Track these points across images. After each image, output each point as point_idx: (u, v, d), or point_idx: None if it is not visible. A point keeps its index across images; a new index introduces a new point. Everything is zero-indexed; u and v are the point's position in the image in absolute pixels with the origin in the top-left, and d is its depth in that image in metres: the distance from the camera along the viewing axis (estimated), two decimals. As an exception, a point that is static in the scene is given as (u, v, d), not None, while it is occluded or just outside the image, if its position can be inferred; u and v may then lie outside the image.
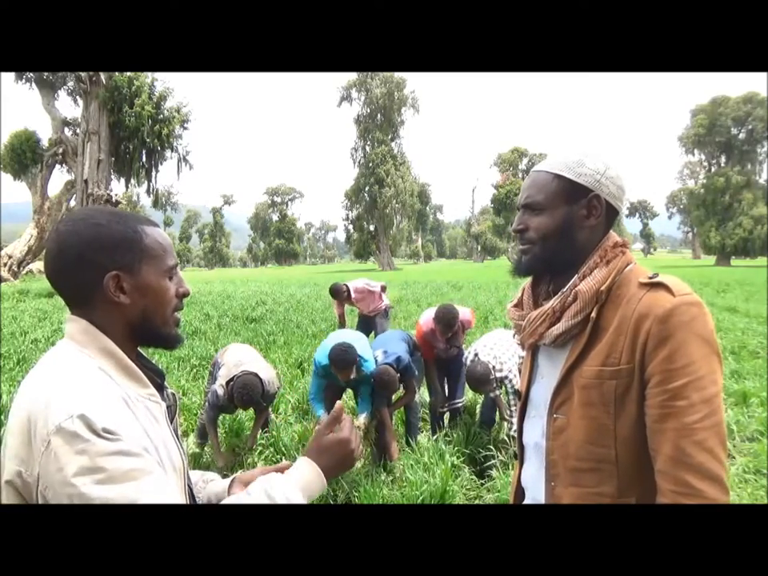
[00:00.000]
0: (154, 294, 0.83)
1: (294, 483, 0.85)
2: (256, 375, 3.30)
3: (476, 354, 3.56)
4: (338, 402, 0.94)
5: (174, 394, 0.95)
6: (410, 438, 3.63)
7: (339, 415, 0.94)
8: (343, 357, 3.22)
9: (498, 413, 3.91)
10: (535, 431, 1.07)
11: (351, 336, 3.75)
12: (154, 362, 0.94)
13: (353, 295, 5.78)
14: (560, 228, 0.98)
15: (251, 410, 3.69)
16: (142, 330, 0.84)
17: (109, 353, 0.80)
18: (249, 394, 3.18)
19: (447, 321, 3.68)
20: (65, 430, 0.67)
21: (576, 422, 0.96)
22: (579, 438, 0.95)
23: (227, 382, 3.32)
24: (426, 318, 3.97)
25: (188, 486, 0.93)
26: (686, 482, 0.83)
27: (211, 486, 1.02)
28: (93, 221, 0.80)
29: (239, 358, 3.53)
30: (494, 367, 3.44)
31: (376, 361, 3.55)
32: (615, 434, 0.92)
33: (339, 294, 5.78)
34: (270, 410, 3.94)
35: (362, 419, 3.43)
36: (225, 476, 1.07)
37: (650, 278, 0.92)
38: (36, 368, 0.79)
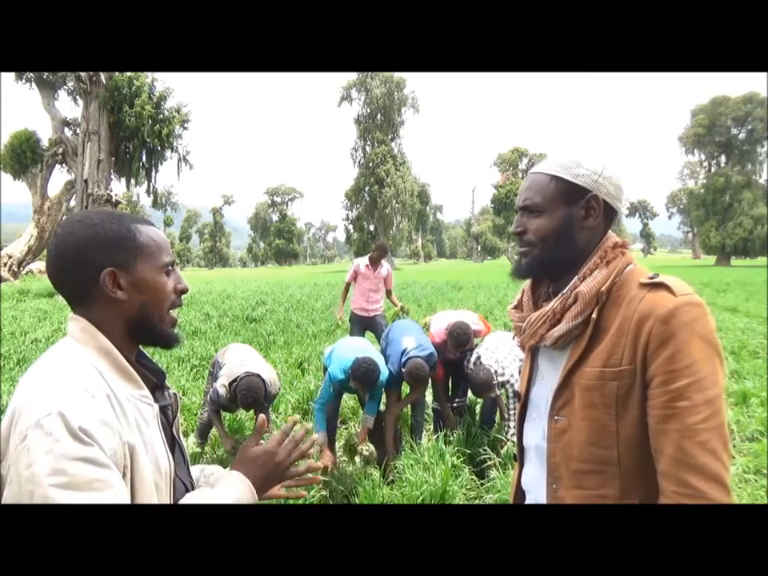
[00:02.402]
0: (151, 289, 0.85)
1: (226, 500, 0.85)
2: (258, 376, 3.28)
3: (478, 358, 3.53)
4: (261, 415, 0.95)
5: (175, 394, 0.95)
6: (414, 438, 3.61)
7: (263, 427, 0.95)
8: (370, 375, 3.10)
9: (498, 413, 3.90)
10: (536, 433, 1.07)
11: (364, 347, 3.56)
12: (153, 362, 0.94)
13: (388, 272, 5.62)
14: (559, 229, 0.97)
15: (251, 410, 3.69)
16: (141, 326, 0.85)
17: (105, 351, 0.81)
18: (253, 396, 3.16)
19: (460, 341, 3.60)
20: (42, 426, 0.68)
21: (578, 423, 0.95)
22: (581, 439, 0.95)
23: (230, 383, 3.30)
24: (438, 329, 3.84)
25: (186, 484, 0.93)
26: (689, 483, 0.83)
27: (212, 480, 1.03)
28: (89, 221, 0.82)
29: (240, 358, 3.52)
30: (495, 371, 3.42)
31: (404, 351, 3.41)
32: (617, 436, 0.91)
33: (386, 252, 5.54)
34: (270, 409, 3.94)
35: (369, 420, 3.40)
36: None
37: (651, 278, 0.92)
38: (34, 365, 0.80)
